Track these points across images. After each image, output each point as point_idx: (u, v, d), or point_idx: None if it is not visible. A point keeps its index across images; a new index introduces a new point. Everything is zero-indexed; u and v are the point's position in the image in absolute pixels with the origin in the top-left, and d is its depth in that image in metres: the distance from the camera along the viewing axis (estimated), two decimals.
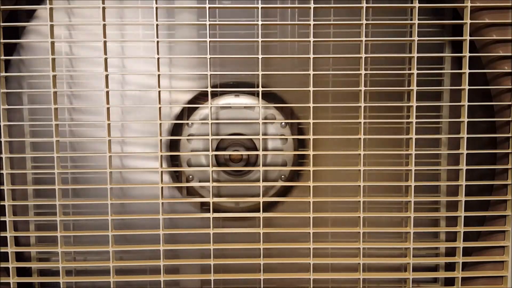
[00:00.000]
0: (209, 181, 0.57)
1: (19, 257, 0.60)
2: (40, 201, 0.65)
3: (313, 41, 0.54)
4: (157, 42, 0.54)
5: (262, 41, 0.54)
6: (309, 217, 0.56)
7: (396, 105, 0.64)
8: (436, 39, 0.66)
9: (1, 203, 0.56)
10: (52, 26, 0.54)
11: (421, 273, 0.62)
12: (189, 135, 0.66)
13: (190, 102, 0.67)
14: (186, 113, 0.67)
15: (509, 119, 0.56)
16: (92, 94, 0.65)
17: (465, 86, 0.55)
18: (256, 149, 0.66)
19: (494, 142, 0.60)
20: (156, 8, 0.54)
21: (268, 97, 0.66)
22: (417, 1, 0.54)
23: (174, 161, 0.69)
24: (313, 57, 0.54)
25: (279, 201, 0.67)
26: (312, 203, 0.56)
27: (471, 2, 0.54)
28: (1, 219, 0.56)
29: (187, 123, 0.66)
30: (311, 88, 0.55)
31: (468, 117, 0.55)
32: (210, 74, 0.55)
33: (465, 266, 0.59)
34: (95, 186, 0.59)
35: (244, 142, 0.66)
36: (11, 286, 0.57)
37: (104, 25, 0.54)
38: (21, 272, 0.59)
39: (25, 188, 0.66)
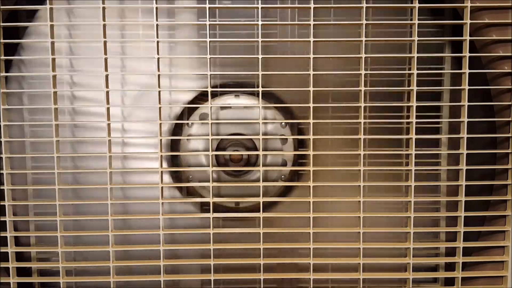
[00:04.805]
0: (209, 181, 0.57)
1: (19, 257, 0.60)
2: (40, 201, 0.65)
3: (313, 41, 0.54)
4: (157, 42, 0.54)
5: (262, 41, 0.54)
6: (309, 217, 0.56)
7: (396, 105, 0.64)
8: (436, 39, 0.66)
9: (1, 203, 0.56)
10: (52, 26, 0.54)
11: (421, 273, 0.62)
12: (189, 135, 0.66)
13: (190, 102, 0.67)
14: (187, 113, 0.67)
15: (509, 119, 0.56)
16: (92, 94, 0.65)
17: (465, 86, 0.55)
18: (256, 149, 0.66)
19: (494, 142, 0.60)
20: (156, 8, 0.54)
21: (268, 97, 0.66)
22: (417, 1, 0.54)
23: (174, 161, 0.69)
24: (313, 57, 0.54)
25: (279, 201, 0.67)
26: (312, 203, 0.56)
27: (471, 2, 0.54)
28: (1, 219, 0.56)
29: (187, 123, 0.66)
30: (311, 88, 0.55)
31: (468, 117, 0.55)
32: (210, 74, 0.55)
33: (465, 266, 0.59)
34: (95, 186, 0.59)
35: (244, 142, 0.66)
36: (11, 286, 0.57)
37: (104, 25, 0.54)
38: (21, 272, 0.59)
39: (25, 188, 0.66)
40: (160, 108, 0.55)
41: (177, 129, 0.67)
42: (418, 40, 0.54)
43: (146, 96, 0.66)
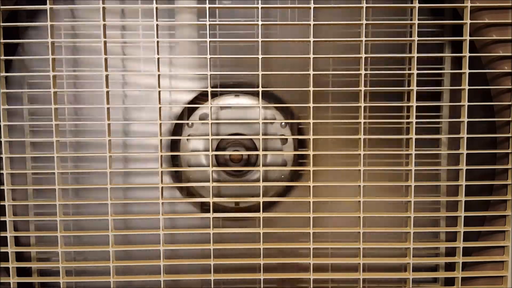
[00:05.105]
0: (209, 181, 0.57)
1: (19, 257, 0.60)
2: (40, 201, 0.65)
3: (313, 41, 0.54)
4: (157, 42, 0.54)
5: (262, 41, 0.54)
6: (309, 217, 0.56)
7: (396, 105, 0.64)
8: (436, 39, 0.66)
9: (1, 203, 0.56)
10: (52, 26, 0.54)
11: (421, 273, 0.62)
12: (189, 135, 0.66)
13: (190, 102, 0.67)
14: (187, 113, 0.67)
15: (509, 119, 0.56)
16: (92, 94, 0.65)
17: (465, 86, 0.55)
18: (256, 149, 0.66)
19: (494, 142, 0.60)
20: (156, 8, 0.53)
21: (268, 97, 0.66)
22: (417, 1, 0.54)
23: (174, 161, 0.69)
24: (313, 57, 0.54)
25: (279, 201, 0.67)
26: (312, 203, 0.56)
27: (471, 2, 0.54)
28: (1, 219, 0.56)
29: (187, 123, 0.66)
30: (311, 88, 0.55)
31: (468, 117, 0.55)
32: (210, 74, 0.55)
33: (465, 266, 0.59)
34: (95, 186, 0.59)
35: (244, 142, 0.66)
36: (11, 286, 0.57)
37: (104, 25, 0.54)
38: (21, 272, 0.59)
39: (25, 188, 0.66)
40: (160, 108, 0.55)
41: (177, 129, 0.67)
42: (418, 40, 0.54)
43: (147, 97, 0.66)
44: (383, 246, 0.60)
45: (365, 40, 0.54)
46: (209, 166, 0.57)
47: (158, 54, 0.54)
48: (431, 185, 0.64)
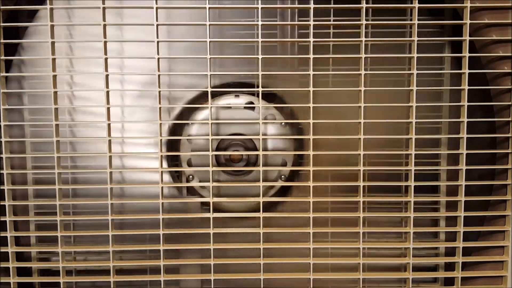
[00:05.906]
0: (209, 181, 0.57)
1: (19, 257, 0.60)
2: (40, 201, 0.65)
3: (313, 41, 0.54)
4: (157, 42, 0.54)
5: (262, 41, 0.54)
6: (309, 217, 0.56)
7: (396, 105, 0.64)
8: (436, 39, 0.66)
9: (1, 203, 0.56)
10: (52, 26, 0.54)
11: (421, 273, 0.62)
12: (189, 135, 0.66)
13: (190, 102, 0.67)
14: (187, 113, 0.67)
15: (509, 119, 0.56)
16: (92, 94, 0.65)
17: (465, 86, 0.55)
18: (256, 149, 0.66)
19: (494, 142, 0.60)
20: (156, 8, 0.54)
21: (268, 97, 0.66)
22: (417, 1, 0.54)
23: (174, 161, 0.69)
24: (313, 57, 0.54)
25: (279, 201, 0.67)
26: (312, 203, 0.56)
27: (471, 2, 0.54)
28: (1, 219, 0.56)
29: (187, 123, 0.66)
30: (311, 88, 0.55)
31: (467, 117, 0.55)
32: (210, 74, 0.55)
33: (465, 266, 0.59)
34: (95, 186, 0.59)
35: (244, 142, 0.66)
36: (12, 286, 0.57)
37: (105, 26, 0.54)
38: (21, 272, 0.59)
39: (25, 188, 0.66)
40: (160, 108, 0.55)
41: (177, 129, 0.67)
42: (418, 40, 0.54)
43: (145, 96, 0.66)
44: (383, 246, 0.60)
45: (365, 41, 0.54)
46: (209, 166, 0.57)
47: (158, 54, 0.54)
48: (431, 185, 0.64)
